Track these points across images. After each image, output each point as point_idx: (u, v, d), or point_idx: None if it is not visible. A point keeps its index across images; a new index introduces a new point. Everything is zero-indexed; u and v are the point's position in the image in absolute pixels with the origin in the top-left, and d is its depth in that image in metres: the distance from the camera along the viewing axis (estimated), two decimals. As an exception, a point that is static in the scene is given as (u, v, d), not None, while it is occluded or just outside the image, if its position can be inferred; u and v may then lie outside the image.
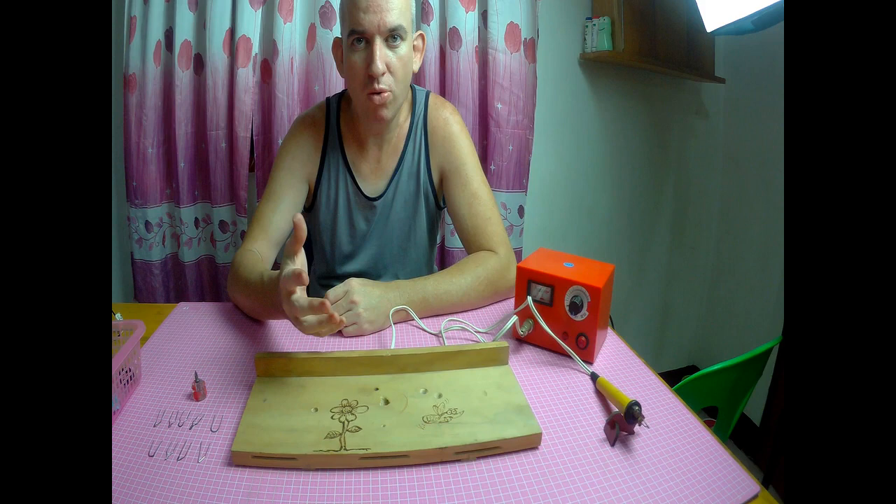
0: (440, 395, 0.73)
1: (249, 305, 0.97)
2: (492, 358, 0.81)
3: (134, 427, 0.68)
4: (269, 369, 0.77)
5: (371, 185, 1.16)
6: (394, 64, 0.99)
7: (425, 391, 0.74)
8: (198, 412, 0.72)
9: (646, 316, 2.48)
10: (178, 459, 0.63)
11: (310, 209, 1.20)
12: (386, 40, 0.98)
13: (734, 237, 2.33)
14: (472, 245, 1.13)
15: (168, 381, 0.79)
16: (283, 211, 1.10)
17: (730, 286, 2.38)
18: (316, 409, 0.70)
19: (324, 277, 1.28)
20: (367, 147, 1.14)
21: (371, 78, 0.98)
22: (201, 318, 0.99)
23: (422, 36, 1.09)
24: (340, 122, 1.15)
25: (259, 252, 1.05)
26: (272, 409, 0.70)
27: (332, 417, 0.68)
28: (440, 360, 0.79)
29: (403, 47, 1.00)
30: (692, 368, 2.54)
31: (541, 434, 0.66)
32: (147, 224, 1.72)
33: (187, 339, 0.92)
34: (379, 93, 0.99)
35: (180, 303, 1.06)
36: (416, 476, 0.61)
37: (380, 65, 0.96)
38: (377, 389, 0.74)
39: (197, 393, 0.74)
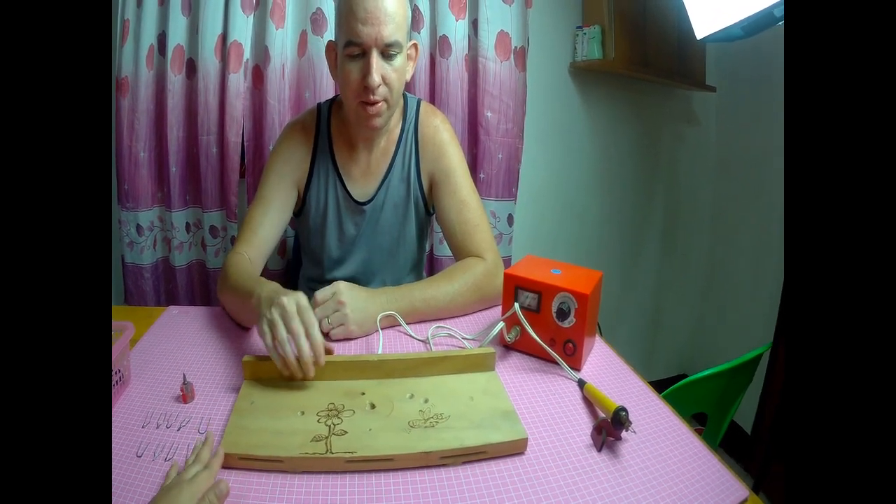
0: (426, 400, 0.74)
1: (236, 310, 0.98)
2: (478, 364, 0.81)
3: (122, 428, 0.69)
4: (257, 372, 0.77)
5: (360, 188, 1.16)
6: (389, 76, 1.00)
7: (412, 396, 0.75)
8: (186, 414, 0.72)
9: (636, 324, 2.48)
10: (165, 460, 0.63)
11: (299, 214, 1.20)
12: (382, 52, 0.98)
13: (725, 245, 2.34)
14: (460, 251, 1.13)
15: (157, 383, 0.79)
16: (272, 216, 1.10)
17: (721, 294, 2.38)
18: (303, 413, 0.70)
19: (312, 281, 1.28)
20: (358, 151, 1.14)
21: (366, 89, 0.98)
22: (190, 322, 0.99)
23: (415, 45, 1.10)
24: (331, 127, 1.15)
25: (248, 255, 1.06)
26: (259, 412, 0.70)
27: (318, 421, 0.68)
28: (427, 365, 0.80)
29: (399, 59, 1.01)
30: (683, 377, 2.53)
31: (527, 439, 0.67)
32: (138, 227, 1.71)
33: (176, 341, 0.92)
34: (373, 104, 1.00)
35: (170, 306, 1.06)
36: (401, 480, 0.61)
37: (376, 77, 0.97)
38: (363, 394, 0.75)
39: (185, 395, 0.74)
